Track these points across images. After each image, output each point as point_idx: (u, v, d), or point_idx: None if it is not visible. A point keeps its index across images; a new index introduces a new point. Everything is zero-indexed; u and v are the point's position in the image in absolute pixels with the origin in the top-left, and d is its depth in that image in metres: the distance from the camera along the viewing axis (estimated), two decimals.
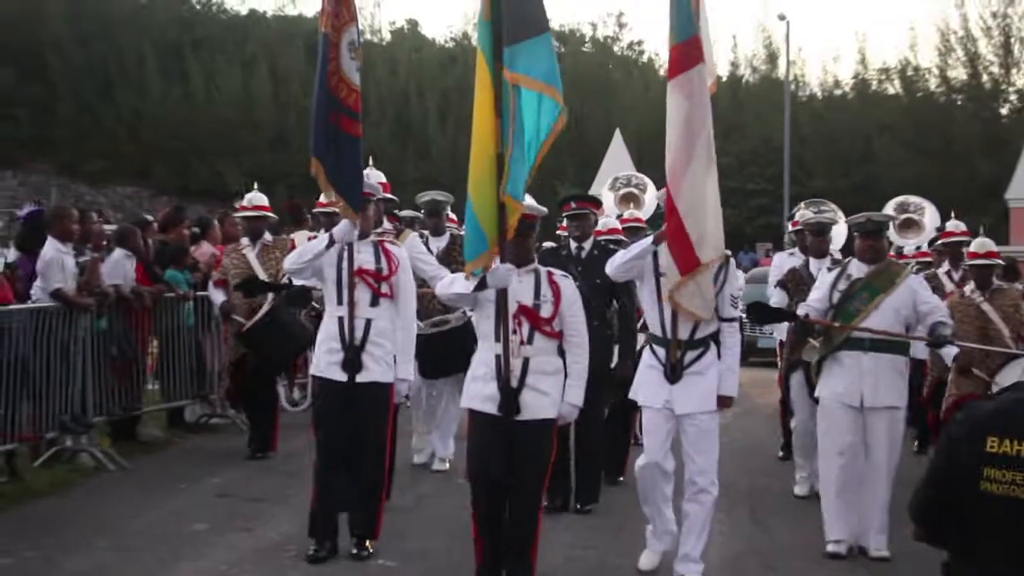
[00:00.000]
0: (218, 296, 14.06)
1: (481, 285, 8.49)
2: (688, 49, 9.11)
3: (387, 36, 58.58)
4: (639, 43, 59.78)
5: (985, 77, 51.60)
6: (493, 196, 8.50)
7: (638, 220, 13.86)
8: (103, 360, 13.76)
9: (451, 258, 12.67)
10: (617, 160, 33.75)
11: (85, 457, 13.26)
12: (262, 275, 13.28)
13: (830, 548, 10.15)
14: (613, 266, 9.59)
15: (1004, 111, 51.10)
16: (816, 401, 10.86)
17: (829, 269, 11.15)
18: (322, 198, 12.34)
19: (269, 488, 12.49)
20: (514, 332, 8.51)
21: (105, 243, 14.36)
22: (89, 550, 10.16)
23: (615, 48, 58.16)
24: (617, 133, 37.46)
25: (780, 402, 14.85)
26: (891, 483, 10.20)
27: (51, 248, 12.95)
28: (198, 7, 59.10)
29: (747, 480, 13.46)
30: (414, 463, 12.80)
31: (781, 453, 14.74)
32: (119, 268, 14.13)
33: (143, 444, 14.74)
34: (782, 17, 49.62)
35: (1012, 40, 51.18)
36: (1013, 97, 51.55)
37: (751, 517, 12.07)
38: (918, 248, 16.86)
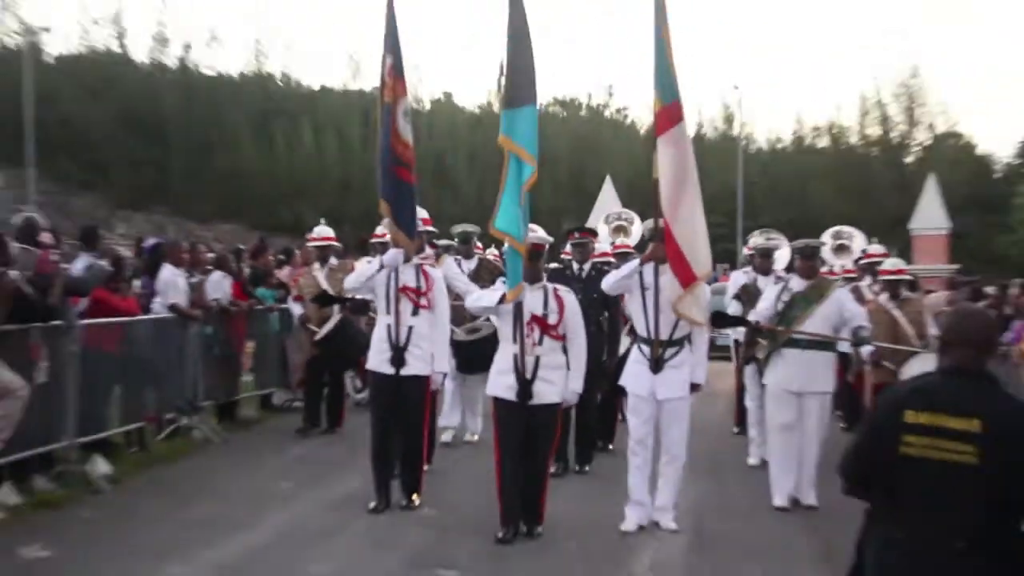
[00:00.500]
0: (297, 309, 14.27)
1: (502, 299, 8.98)
2: (673, 110, 9.30)
3: (428, 105, 58.59)
4: (624, 108, 59.63)
5: (894, 133, 51.72)
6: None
7: (627, 247, 13.78)
8: (209, 358, 13.90)
9: (479, 276, 12.82)
10: (608, 200, 33.67)
11: (196, 433, 13.34)
12: (330, 291, 13.26)
13: (776, 502, 10.39)
14: (608, 283, 9.91)
15: (909, 160, 51.17)
16: (764, 388, 11.10)
17: (774, 283, 11.49)
18: (377, 230, 12.75)
19: (337, 455, 12.58)
20: (528, 336, 8.97)
21: (209, 267, 14.43)
22: (201, 504, 10.28)
23: (606, 113, 58.15)
24: (608, 179, 37.40)
25: (735, 389, 15.01)
26: (820, 450, 10.44)
27: (168, 272, 13.12)
28: (281, 84, 59.07)
29: (708, 449, 13.49)
30: (441, 441, 12.75)
31: (736, 429, 14.89)
32: (219, 286, 14.26)
33: (241, 422, 14.82)
34: (735, 87, 49.99)
35: (914, 105, 51.31)
36: (916, 149, 51.64)
37: (711, 477, 12.12)
38: (843, 267, 16.89)
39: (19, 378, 9.63)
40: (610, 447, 13.17)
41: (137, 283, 13.46)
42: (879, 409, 4.88)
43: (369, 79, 57.48)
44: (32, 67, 47.00)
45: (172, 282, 13.11)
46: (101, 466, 11.04)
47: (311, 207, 40.39)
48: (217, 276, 14.41)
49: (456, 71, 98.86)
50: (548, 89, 64.95)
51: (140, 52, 59.24)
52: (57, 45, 59.37)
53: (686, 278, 9.20)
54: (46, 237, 11.64)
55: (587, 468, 12.05)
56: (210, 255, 15.09)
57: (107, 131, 52.71)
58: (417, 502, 10.04)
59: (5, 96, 51.67)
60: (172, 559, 8.39)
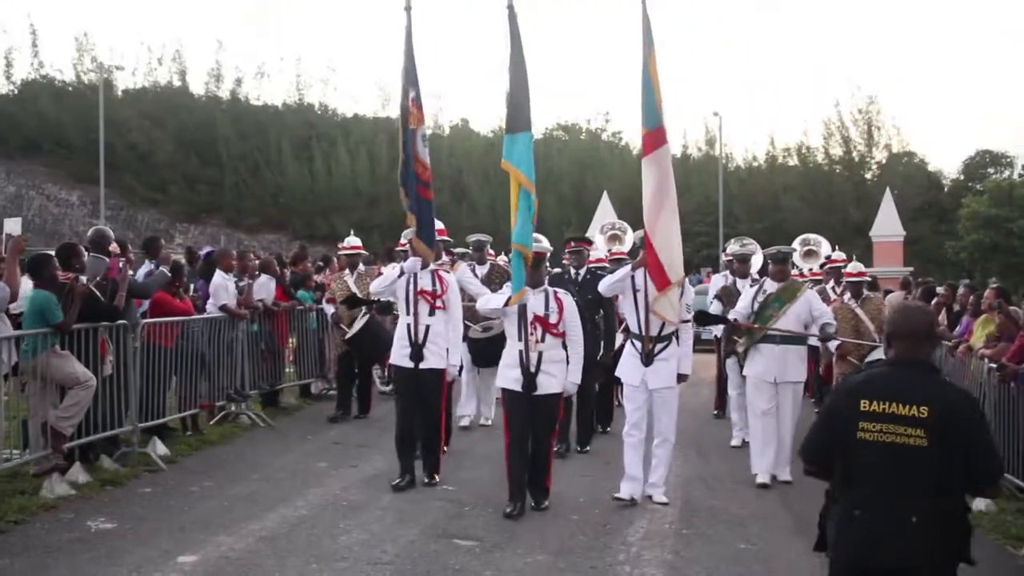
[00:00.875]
0: (329, 309, 14.37)
1: (508, 302, 9.02)
2: (657, 135, 9.40)
3: (447, 130, 58.58)
4: (620, 132, 59.22)
5: (855, 153, 51.64)
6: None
7: (621, 253, 13.93)
8: (255, 352, 13.81)
9: (491, 280, 12.82)
10: (605, 213, 33.57)
11: (244, 418, 13.29)
12: (358, 295, 13.33)
13: (759, 479, 10.40)
14: (603, 286, 10.03)
15: (868, 176, 51.04)
16: (744, 378, 11.20)
17: (751, 286, 11.71)
18: (401, 239, 12.84)
19: (368, 438, 12.52)
20: (531, 334, 9.02)
21: (256, 272, 14.38)
22: (247, 481, 10.21)
23: (603, 136, 57.99)
24: (605, 194, 37.38)
25: (716, 378, 15.08)
26: (794, 432, 10.44)
27: (219, 277, 13.07)
28: (319, 112, 59.10)
29: (695, 431, 13.43)
30: (460, 426, 12.82)
31: (716, 412, 14.96)
32: (264, 288, 14.23)
33: (283, 409, 14.72)
34: (716, 114, 49.81)
35: (872, 127, 51.29)
36: (874, 166, 51.57)
37: (699, 456, 12.08)
38: (811, 269, 16.80)
39: (88, 371, 9.57)
40: (607, 430, 13.10)
41: (191, 286, 13.41)
42: (836, 398, 4.88)
43: (395, 108, 57.55)
44: (104, 100, 47.19)
45: (223, 286, 13.07)
46: (160, 448, 10.99)
47: (345, 219, 40.35)
48: (264, 279, 14.40)
49: (472, 100, 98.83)
50: (551, 115, 65.16)
51: (197, 86, 59.52)
52: (126, 80, 59.29)
53: (661, 282, 9.30)
54: (114, 247, 11.60)
55: (587, 448, 12.04)
56: (256, 261, 15.02)
57: (168, 154, 52.99)
58: (438, 479, 10.01)
59: (82, 125, 52.13)
60: (221, 530, 8.31)
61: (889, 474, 4.51)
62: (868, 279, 13.40)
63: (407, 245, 11.11)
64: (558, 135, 58.75)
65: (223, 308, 12.91)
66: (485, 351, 12.08)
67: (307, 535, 8.25)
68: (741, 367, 11.53)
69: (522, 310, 9.02)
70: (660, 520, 8.91)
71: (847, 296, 12.98)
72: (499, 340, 9.90)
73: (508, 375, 9.13)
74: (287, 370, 15.60)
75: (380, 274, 11.04)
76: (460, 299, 10.40)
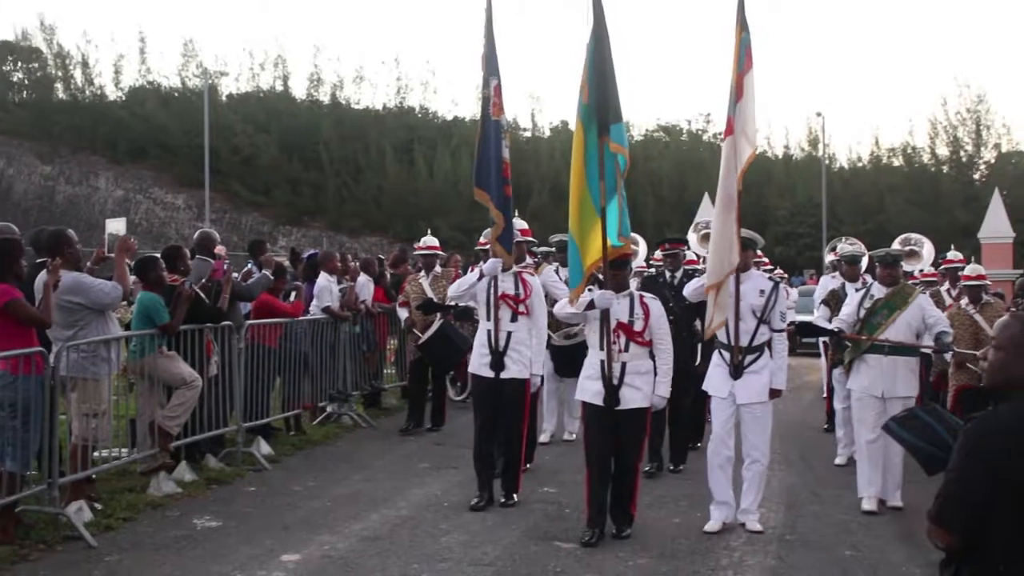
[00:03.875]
0: (403, 313, 13.48)
1: (590, 306, 8.27)
2: (730, 122, 8.75)
3: (547, 132, 58.69)
4: (720, 133, 59.05)
5: (962, 153, 50.67)
6: (598, 241, 8.22)
7: None
8: (357, 353, 13.95)
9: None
10: (706, 215, 33.37)
11: (346, 418, 13.45)
12: (433, 298, 12.84)
13: (865, 506, 9.45)
14: (689, 290, 9.16)
15: (976, 176, 50.08)
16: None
17: (857, 290, 10.61)
18: (480, 239, 12.19)
19: (469, 439, 12.39)
20: (614, 342, 8.23)
21: (357, 273, 14.50)
22: (349, 481, 10.31)
23: (704, 137, 57.54)
24: (705, 195, 37.10)
25: (825, 397, 14.18)
26: (904, 454, 9.25)
27: (323, 279, 13.21)
28: (420, 115, 59.58)
29: (796, 435, 13.22)
30: (540, 441, 12.00)
31: (825, 427, 13.84)
32: (364, 289, 14.36)
33: (385, 409, 14.86)
34: (819, 114, 49.43)
35: (981, 127, 50.28)
36: (983, 167, 50.56)
37: (801, 459, 11.87)
38: (921, 271, 16.15)
39: (194, 371, 9.74)
40: (698, 445, 11.93)
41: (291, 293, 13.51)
42: (992, 449, 3.65)
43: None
44: (209, 105, 48.11)
45: (327, 288, 13.20)
46: (263, 448, 11.14)
47: (446, 221, 40.67)
48: (363, 279, 14.53)
49: (570, 103, 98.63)
50: (653, 116, 64.79)
51: (299, 90, 60.50)
52: (230, 85, 60.59)
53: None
54: (220, 249, 11.80)
55: (681, 467, 11.19)
56: (355, 263, 15.14)
57: (271, 158, 53.92)
58: (516, 499, 9.35)
59: (187, 130, 53.28)
60: (323, 529, 8.40)
61: None
62: (988, 283, 12.14)
63: (487, 245, 10.26)
64: (659, 136, 58.51)
65: (326, 310, 13.04)
66: (569, 360, 11.21)
67: (409, 535, 8.28)
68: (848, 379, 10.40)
69: (605, 316, 8.24)
70: (764, 525, 8.72)
71: (964, 301, 11.79)
72: (583, 347, 9.11)
73: (589, 388, 8.37)
74: (388, 371, 15.69)
75: (457, 276, 10.75)
76: (545, 304, 9.65)
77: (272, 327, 11.82)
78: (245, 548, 7.82)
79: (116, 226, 9.78)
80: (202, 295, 10.24)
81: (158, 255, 10.09)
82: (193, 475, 9.90)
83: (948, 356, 10.57)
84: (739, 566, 7.70)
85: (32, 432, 7.66)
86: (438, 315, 12.67)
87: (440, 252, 13.87)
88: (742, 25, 8.76)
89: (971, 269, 12.28)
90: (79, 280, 8.48)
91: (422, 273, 13.56)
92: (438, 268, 13.56)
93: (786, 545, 8.28)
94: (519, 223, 10.29)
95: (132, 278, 9.40)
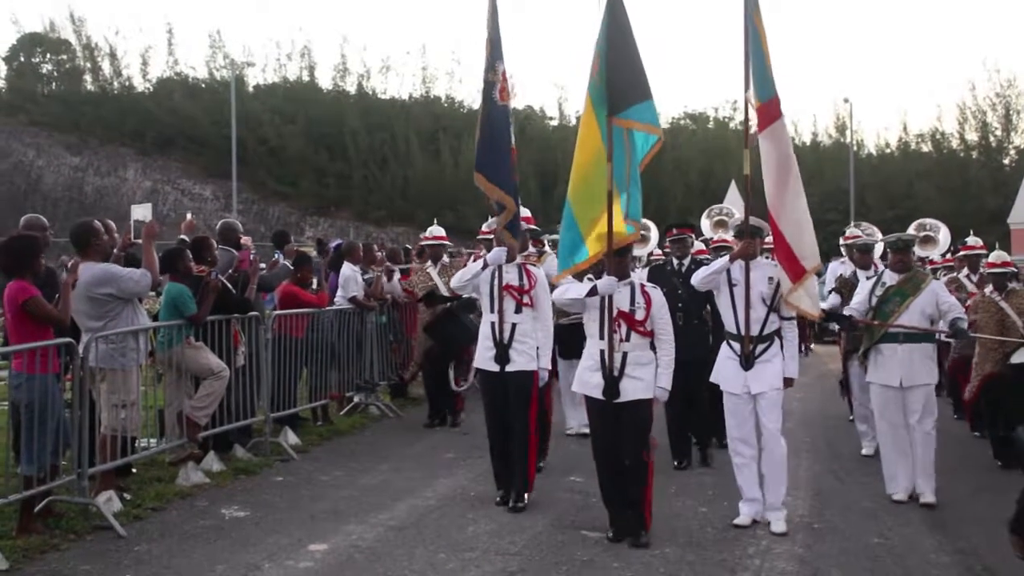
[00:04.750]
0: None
1: (592, 292, 7.95)
2: (770, 107, 8.36)
3: (573, 120, 58.52)
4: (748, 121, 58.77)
5: (991, 138, 50.35)
6: (603, 221, 7.98)
7: (725, 241, 12.70)
8: (384, 343, 13.97)
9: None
10: (733, 202, 33.13)
11: (373, 408, 13.50)
12: (442, 289, 12.76)
13: (896, 496, 9.25)
14: (696, 279, 8.83)
15: (1006, 161, 49.75)
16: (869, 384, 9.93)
17: (868, 278, 10.41)
18: (483, 227, 11.91)
19: None
20: (615, 331, 7.90)
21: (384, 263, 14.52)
22: (376, 471, 10.36)
23: (731, 125, 57.26)
24: (732, 183, 37.03)
25: (840, 383, 13.67)
26: (933, 443, 9.31)
27: (348, 269, 13.25)
28: (446, 105, 59.58)
29: (822, 422, 13.13)
30: (568, 433, 11.86)
31: (851, 418, 12.76)
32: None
33: (412, 399, 14.86)
34: (846, 100, 49.19)
35: (1011, 111, 49.94)
36: (1012, 152, 50.24)
37: (827, 447, 11.84)
38: (942, 256, 15.99)
39: (222, 362, 9.79)
40: (725, 443, 10.80)
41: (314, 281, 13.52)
42: None
43: (522, 99, 57.88)
44: (236, 96, 48.27)
45: (352, 278, 13.24)
46: (291, 438, 11.20)
47: (472, 210, 40.55)
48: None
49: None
50: (680, 104, 64.50)
51: (325, 80, 60.56)
52: (256, 76, 60.78)
53: (795, 271, 8.33)
54: (246, 239, 11.85)
55: (709, 462, 10.75)
56: (381, 253, 15.17)
57: (298, 148, 54.02)
58: (526, 501, 8.91)
59: (214, 120, 53.49)
60: (351, 519, 8.43)
61: None
62: (1013, 270, 11.77)
63: (490, 234, 9.96)
64: (685, 124, 58.30)
65: (352, 300, 13.07)
66: (571, 340, 10.33)
67: (435, 525, 8.31)
68: (865, 370, 10.08)
69: (605, 304, 7.92)
70: (791, 513, 8.66)
71: (989, 288, 11.51)
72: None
73: (588, 380, 8.05)
74: (415, 361, 15.69)
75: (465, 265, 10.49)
76: (550, 295, 8.92)
77: (299, 317, 11.86)
78: (273, 538, 7.86)
79: (142, 212, 9.81)
80: (229, 286, 10.28)
81: (185, 246, 10.14)
82: (221, 465, 9.96)
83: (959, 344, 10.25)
84: (766, 554, 7.69)
85: (48, 433, 7.62)
86: (443, 307, 12.67)
87: (447, 242, 13.59)
88: (754, 5, 8.42)
89: (995, 256, 12.03)
90: (108, 271, 8.51)
91: (429, 263, 13.42)
92: (446, 258, 13.42)
93: (814, 533, 8.26)
94: (522, 210, 10.01)
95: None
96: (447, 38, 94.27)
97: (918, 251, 14.50)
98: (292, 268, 12.00)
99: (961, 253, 14.77)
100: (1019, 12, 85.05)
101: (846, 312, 9.97)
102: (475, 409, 13.40)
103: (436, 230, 13.77)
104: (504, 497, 8.99)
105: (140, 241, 9.04)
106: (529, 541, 7.88)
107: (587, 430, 10.51)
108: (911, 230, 15.58)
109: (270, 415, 11.00)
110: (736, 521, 8.44)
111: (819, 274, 9.61)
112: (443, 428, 12.80)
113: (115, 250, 9.27)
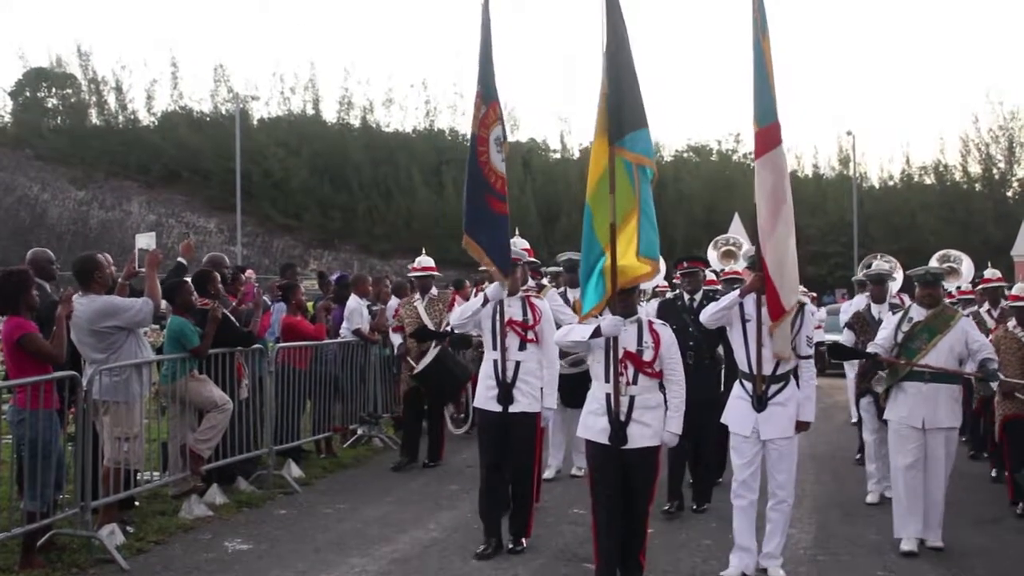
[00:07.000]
0: (397, 339, 12.70)
1: (596, 333, 7.31)
2: (770, 133, 7.89)
3: (576, 153, 58.66)
4: (750, 153, 58.87)
5: (994, 170, 50.41)
6: (623, 260, 7.38)
7: (736, 273, 11.92)
8: (387, 375, 13.95)
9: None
10: (736, 234, 33.34)
11: (376, 441, 13.51)
12: (428, 323, 12.07)
13: (904, 546, 8.68)
14: (706, 316, 8.21)
15: (1009, 194, 49.82)
16: (884, 422, 9.47)
17: (892, 312, 9.86)
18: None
19: None
20: (621, 374, 7.33)
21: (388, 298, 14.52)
22: (380, 503, 10.35)
23: (734, 157, 57.33)
24: (736, 215, 37.07)
25: (854, 424, 13.08)
26: (945, 489, 8.89)
27: (354, 301, 13.28)
28: (449, 138, 59.71)
29: (829, 454, 13.09)
30: (545, 478, 10.81)
31: (858, 457, 12.81)
32: (392, 309, 14.25)
33: None
34: (849, 132, 49.41)
35: (1014, 144, 50.03)
36: (1015, 184, 50.31)
37: (833, 479, 11.80)
38: (957, 288, 15.54)
39: (225, 395, 9.80)
40: (719, 481, 10.83)
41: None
42: None
43: (525, 132, 58.09)
44: (240, 129, 48.48)
45: (358, 310, 13.25)
46: (294, 470, 11.21)
47: None
48: (394, 302, 14.37)
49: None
50: (683, 137, 64.68)
51: (329, 114, 60.74)
52: (260, 110, 61.02)
53: (775, 311, 7.70)
54: (249, 272, 11.87)
55: (705, 507, 10.19)
56: (389, 286, 15.17)
57: (302, 181, 54.13)
58: (524, 544, 8.56)
59: (219, 153, 53.68)
60: (354, 552, 8.41)
61: None
62: None
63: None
64: (688, 156, 58.39)
65: (356, 332, 13.09)
66: (576, 388, 9.86)
67: (439, 557, 8.29)
68: (879, 408, 9.67)
69: (611, 345, 7.35)
70: (795, 546, 8.66)
71: (1012, 323, 10.56)
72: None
73: (593, 424, 7.46)
74: None
75: (454, 300, 10.18)
76: (555, 330, 8.33)
77: (302, 350, 11.87)
78: (276, 571, 7.85)
79: (146, 240, 9.81)
80: (232, 318, 10.30)
81: (187, 279, 10.16)
82: (224, 498, 9.96)
83: (994, 385, 9.73)
84: None
85: (50, 468, 7.58)
86: (433, 343, 12.03)
87: (436, 273, 12.95)
88: (762, 28, 7.98)
89: (1019, 288, 10.97)
90: (111, 303, 8.54)
91: (417, 296, 12.67)
92: (434, 290, 12.69)
93: (818, 566, 8.24)
94: (521, 242, 9.82)
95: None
96: (449, 71, 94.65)
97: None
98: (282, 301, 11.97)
99: (982, 287, 14.00)
100: (1023, 44, 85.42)
101: (871, 348, 9.37)
102: (470, 445, 13.43)
103: (425, 260, 12.85)
104: (487, 549, 8.39)
105: (144, 270, 9.05)
106: (532, 573, 7.88)
107: (580, 473, 10.56)
108: (933, 262, 15.08)
109: (273, 448, 11.00)
110: (723, 574, 7.91)
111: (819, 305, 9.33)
112: (448, 460, 12.70)
113: (120, 279, 9.30)
